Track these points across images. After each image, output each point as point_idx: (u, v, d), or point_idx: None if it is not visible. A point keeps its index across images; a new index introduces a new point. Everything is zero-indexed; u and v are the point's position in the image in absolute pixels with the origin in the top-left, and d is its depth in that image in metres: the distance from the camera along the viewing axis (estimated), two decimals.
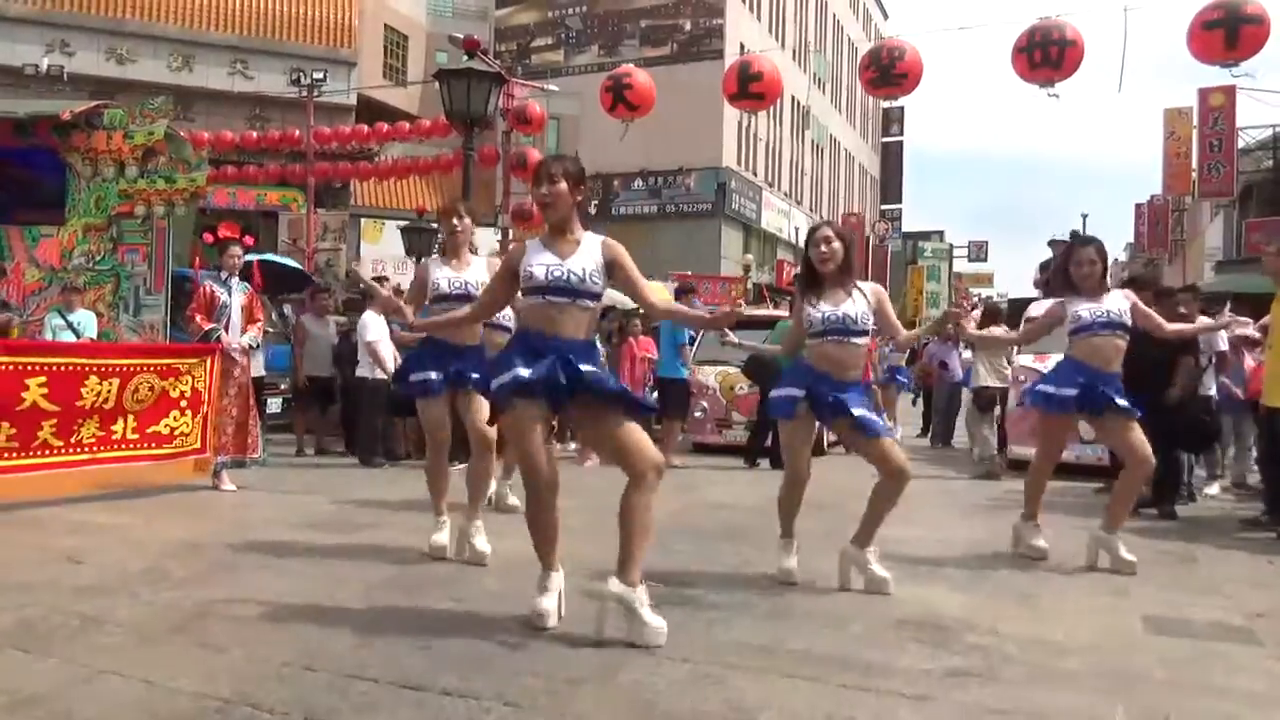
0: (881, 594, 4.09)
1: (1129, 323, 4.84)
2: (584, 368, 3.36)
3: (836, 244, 4.21)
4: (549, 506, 3.47)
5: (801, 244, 4.91)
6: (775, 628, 3.57)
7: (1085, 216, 37.77)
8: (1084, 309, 4.87)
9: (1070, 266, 5.01)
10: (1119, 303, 4.89)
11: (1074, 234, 5.98)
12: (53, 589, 3.85)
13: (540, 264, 3.45)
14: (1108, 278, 5.00)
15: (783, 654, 3.23)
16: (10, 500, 5.50)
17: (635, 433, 3.42)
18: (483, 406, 4.39)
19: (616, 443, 3.41)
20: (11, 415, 5.53)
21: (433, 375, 4.66)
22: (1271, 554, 5.42)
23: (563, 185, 3.50)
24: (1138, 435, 4.76)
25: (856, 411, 4.10)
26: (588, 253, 3.51)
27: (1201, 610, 4.01)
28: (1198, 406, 6.87)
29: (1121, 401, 4.72)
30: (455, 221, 4.81)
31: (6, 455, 5.56)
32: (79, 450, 5.94)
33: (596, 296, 3.51)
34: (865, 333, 4.22)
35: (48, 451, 5.76)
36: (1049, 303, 5.62)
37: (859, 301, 4.19)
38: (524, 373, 3.33)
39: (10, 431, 5.55)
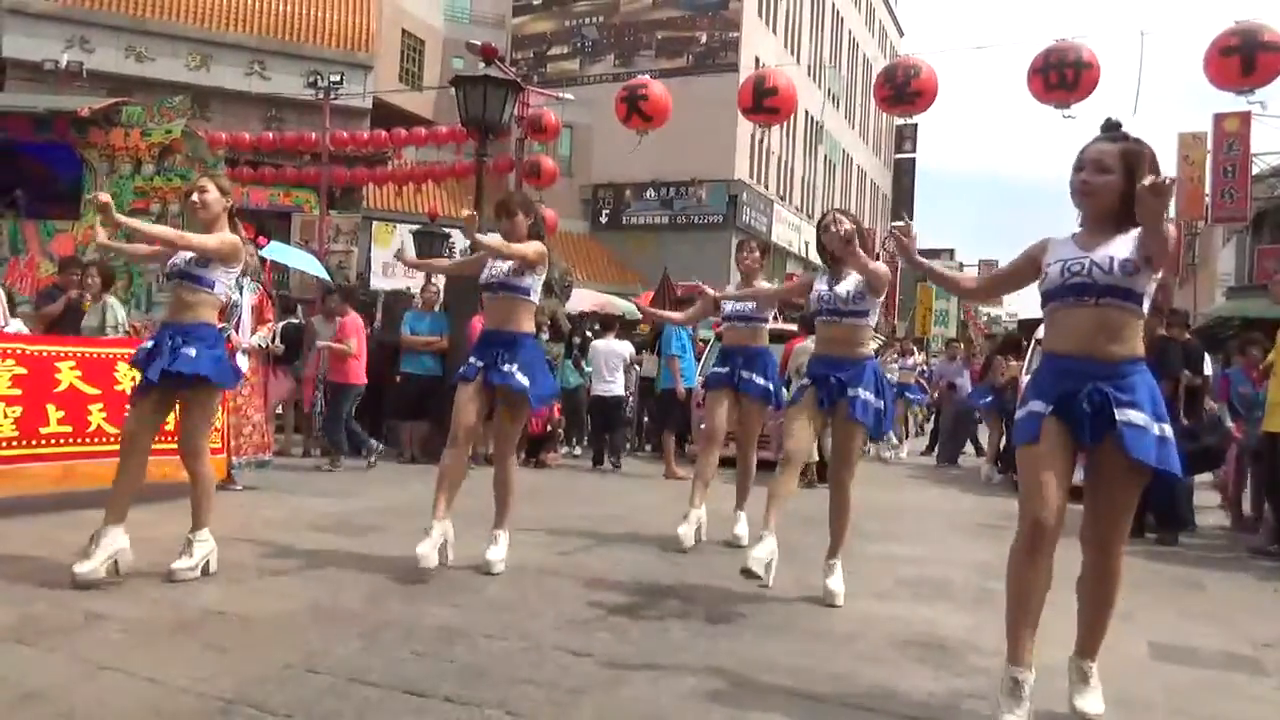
0: (832, 606, 4.12)
1: (1133, 285, 2.71)
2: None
3: (847, 225, 4.28)
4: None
5: (811, 257, 5.01)
6: (779, 643, 3.56)
7: None
8: (1062, 256, 2.84)
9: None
10: (1125, 248, 2.73)
11: (1106, 123, 3.05)
12: (58, 585, 3.86)
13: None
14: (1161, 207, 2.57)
15: (786, 670, 3.22)
16: (17, 495, 5.50)
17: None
18: (516, 411, 4.53)
19: None
20: (54, 398, 5.54)
21: (472, 360, 4.59)
22: (1278, 583, 5.39)
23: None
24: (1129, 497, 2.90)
25: (852, 392, 4.15)
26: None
27: (1208, 639, 3.99)
28: (1204, 429, 6.83)
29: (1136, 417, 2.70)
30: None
31: (63, 441, 5.54)
32: None
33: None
34: (855, 313, 4.29)
35: (105, 439, 5.69)
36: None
37: (850, 282, 4.34)
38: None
39: (60, 415, 5.53)
